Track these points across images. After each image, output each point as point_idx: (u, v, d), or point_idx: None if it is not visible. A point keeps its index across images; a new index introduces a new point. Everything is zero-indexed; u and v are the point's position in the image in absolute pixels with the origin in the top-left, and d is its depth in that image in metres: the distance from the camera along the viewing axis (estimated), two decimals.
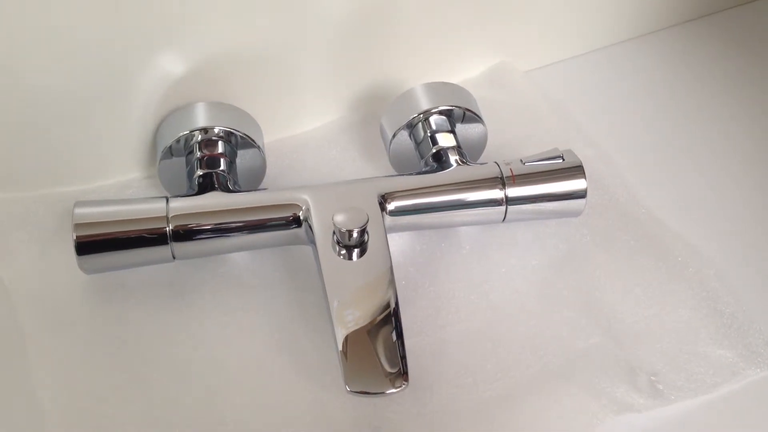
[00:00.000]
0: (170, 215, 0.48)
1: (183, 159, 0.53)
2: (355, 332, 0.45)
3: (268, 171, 0.55)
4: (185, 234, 0.48)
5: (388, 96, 0.58)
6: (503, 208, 0.51)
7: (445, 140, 0.53)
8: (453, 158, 0.52)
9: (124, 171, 0.56)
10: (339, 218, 0.47)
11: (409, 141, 0.55)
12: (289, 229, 0.49)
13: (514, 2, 0.61)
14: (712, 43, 0.68)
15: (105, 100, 0.52)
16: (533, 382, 0.47)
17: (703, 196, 0.58)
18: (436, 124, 0.54)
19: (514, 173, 0.51)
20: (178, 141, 0.52)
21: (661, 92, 0.65)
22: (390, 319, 0.45)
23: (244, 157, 0.53)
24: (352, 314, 0.45)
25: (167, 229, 0.48)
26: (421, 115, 0.54)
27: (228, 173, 0.51)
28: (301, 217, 0.49)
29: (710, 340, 0.49)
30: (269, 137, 0.57)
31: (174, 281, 0.51)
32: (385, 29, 0.58)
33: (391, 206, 0.50)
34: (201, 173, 0.51)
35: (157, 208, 0.48)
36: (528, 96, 0.63)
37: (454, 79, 0.60)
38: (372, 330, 0.45)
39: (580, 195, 0.51)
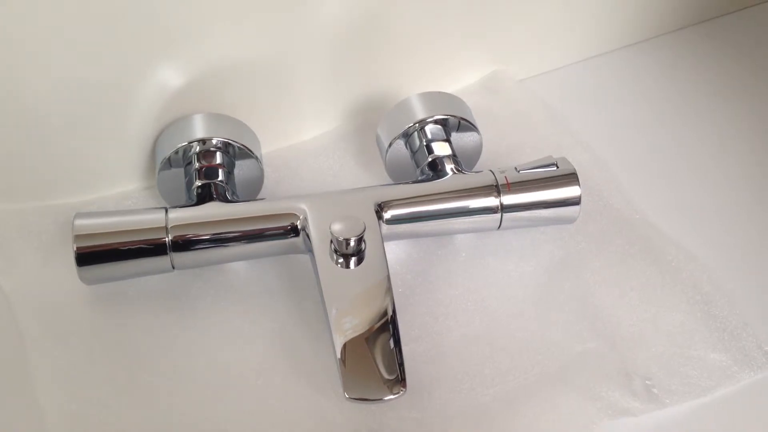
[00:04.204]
0: (169, 226, 0.48)
1: (182, 170, 0.53)
2: (354, 339, 0.45)
3: (265, 181, 0.55)
4: (184, 244, 0.48)
5: (384, 105, 0.59)
6: (498, 215, 0.51)
7: (441, 149, 0.54)
8: (449, 167, 0.53)
9: (124, 182, 0.56)
10: (336, 227, 0.47)
11: (405, 150, 0.55)
12: (287, 238, 0.50)
13: (508, 11, 0.62)
14: (706, 50, 0.69)
15: (104, 112, 0.52)
16: (530, 387, 0.48)
17: (696, 201, 0.58)
18: (431, 134, 0.54)
19: (509, 181, 0.51)
20: (176, 152, 0.52)
21: (654, 99, 0.65)
22: (387, 326, 0.46)
23: (242, 168, 0.54)
24: (350, 322, 0.46)
25: (166, 239, 0.48)
26: (417, 125, 0.54)
27: (226, 183, 0.52)
28: (299, 227, 0.49)
29: (704, 343, 0.50)
30: (267, 147, 0.57)
31: (174, 291, 0.51)
32: (380, 39, 0.58)
33: (387, 215, 0.50)
34: (199, 184, 0.51)
35: (157, 218, 0.49)
36: (522, 104, 0.63)
37: (450, 89, 0.60)
38: (370, 337, 0.45)
39: (575, 202, 0.52)
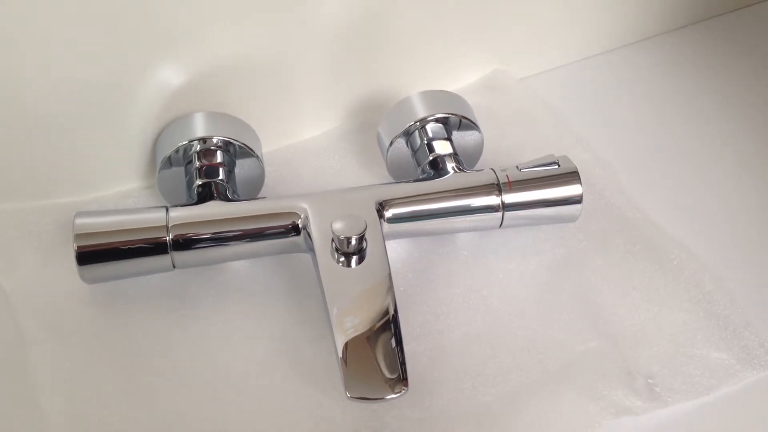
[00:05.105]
0: (170, 225, 0.48)
1: (182, 169, 0.53)
2: (355, 339, 0.45)
3: (266, 180, 0.55)
4: (185, 243, 0.48)
5: (385, 105, 0.59)
6: (500, 214, 0.51)
7: (442, 148, 0.54)
8: (450, 165, 0.53)
9: (124, 181, 0.56)
10: (337, 226, 0.47)
11: (406, 149, 0.55)
12: (288, 237, 0.49)
13: (509, 10, 0.62)
14: (706, 48, 0.69)
15: (104, 111, 0.52)
16: (532, 386, 0.48)
17: (698, 199, 0.58)
18: (432, 132, 0.54)
19: (510, 180, 0.51)
20: (177, 151, 0.52)
21: (655, 97, 0.65)
22: (389, 325, 0.45)
23: (242, 167, 0.54)
24: (352, 321, 0.46)
25: (167, 238, 0.48)
26: (418, 123, 0.54)
27: (227, 182, 0.52)
28: (300, 225, 0.49)
29: (706, 342, 0.50)
30: (267, 146, 0.57)
31: (175, 290, 0.51)
32: (381, 38, 0.58)
33: (388, 213, 0.50)
34: (200, 183, 0.51)
35: (157, 217, 0.49)
36: (523, 103, 0.63)
37: (450, 88, 0.60)
38: (371, 336, 0.45)
39: (576, 200, 0.52)
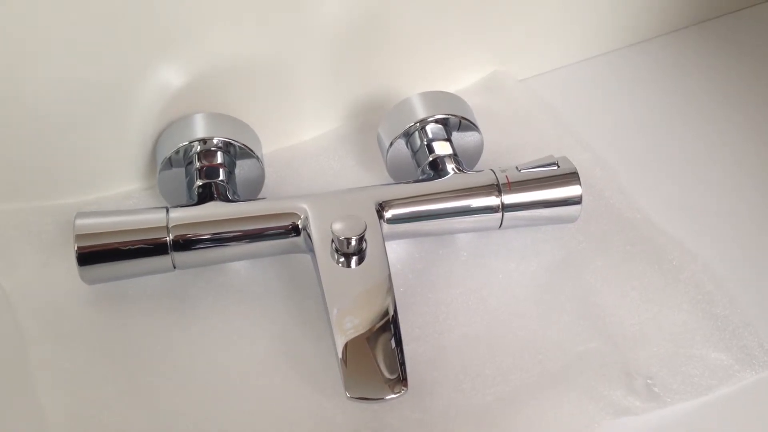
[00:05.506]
0: (170, 225, 0.48)
1: (182, 170, 0.53)
2: (355, 339, 0.45)
3: (266, 181, 0.55)
4: (185, 244, 0.48)
5: (385, 105, 0.59)
6: (499, 215, 0.51)
7: (442, 149, 0.54)
8: (450, 166, 0.53)
9: (124, 182, 0.56)
10: (337, 226, 0.47)
11: (406, 150, 0.55)
12: (288, 237, 0.50)
13: (508, 11, 0.62)
14: (706, 49, 0.69)
15: (105, 111, 0.52)
16: (532, 387, 0.48)
17: (698, 200, 0.58)
18: (432, 133, 0.54)
19: (510, 180, 0.51)
20: (177, 152, 0.52)
21: (655, 98, 0.65)
22: (389, 325, 0.46)
23: (242, 167, 0.54)
24: (352, 321, 0.46)
25: (168, 239, 0.48)
26: (418, 124, 0.54)
27: (227, 183, 0.52)
28: (300, 226, 0.49)
29: (706, 342, 0.50)
30: (267, 147, 0.57)
31: (175, 290, 0.51)
32: (381, 39, 0.58)
33: (388, 214, 0.50)
34: (200, 183, 0.51)
35: (158, 218, 0.49)
36: (523, 104, 0.63)
37: (450, 89, 0.60)
38: (371, 337, 0.45)
39: (576, 201, 0.52)
